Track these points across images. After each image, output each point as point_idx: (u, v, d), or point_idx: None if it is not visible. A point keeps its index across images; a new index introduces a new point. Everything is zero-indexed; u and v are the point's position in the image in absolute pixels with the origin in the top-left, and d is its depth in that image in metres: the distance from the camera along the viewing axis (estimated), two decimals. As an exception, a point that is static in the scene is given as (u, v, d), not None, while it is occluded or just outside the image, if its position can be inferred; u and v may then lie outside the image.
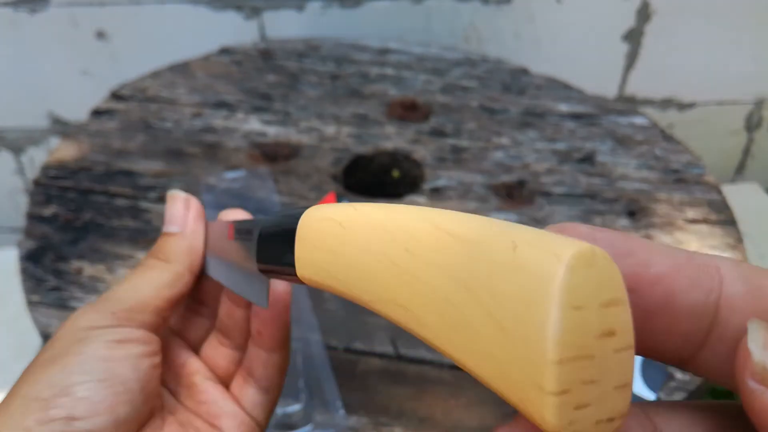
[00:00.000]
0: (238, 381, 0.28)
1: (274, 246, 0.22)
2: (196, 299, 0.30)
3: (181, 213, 0.29)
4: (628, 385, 0.12)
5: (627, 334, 0.12)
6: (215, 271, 0.28)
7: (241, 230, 0.26)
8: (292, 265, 0.20)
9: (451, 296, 0.13)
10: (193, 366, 0.28)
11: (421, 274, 0.14)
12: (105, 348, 0.24)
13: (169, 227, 0.28)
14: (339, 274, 0.17)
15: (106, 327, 0.25)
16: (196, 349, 0.29)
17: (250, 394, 0.27)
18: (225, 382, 0.29)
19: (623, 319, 0.12)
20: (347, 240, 0.17)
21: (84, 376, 0.23)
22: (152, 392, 0.25)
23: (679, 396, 0.44)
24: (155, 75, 0.71)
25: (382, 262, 0.15)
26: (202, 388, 0.28)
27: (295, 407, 0.43)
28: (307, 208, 0.20)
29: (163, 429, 0.25)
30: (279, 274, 0.22)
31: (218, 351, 0.29)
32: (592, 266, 0.11)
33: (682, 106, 0.91)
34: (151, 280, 0.27)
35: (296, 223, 0.20)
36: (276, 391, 0.28)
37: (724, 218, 0.55)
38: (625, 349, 0.12)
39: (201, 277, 0.29)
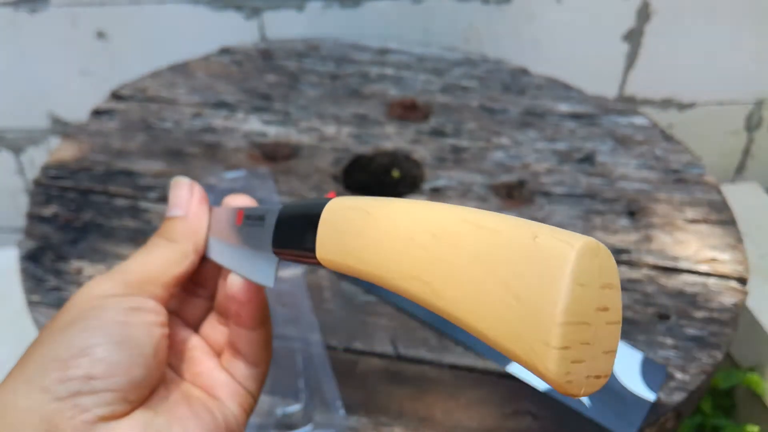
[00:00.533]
0: (227, 356, 0.29)
1: (294, 231, 0.24)
2: (194, 281, 0.31)
3: (186, 197, 0.30)
4: (613, 351, 0.15)
5: (617, 312, 0.15)
6: (217, 254, 0.29)
7: (251, 216, 0.28)
8: (312, 248, 0.22)
9: (473, 273, 0.16)
10: (192, 341, 0.30)
11: (446, 256, 0.17)
12: (121, 314, 0.25)
13: (173, 211, 0.30)
14: (363, 255, 0.20)
15: (121, 295, 0.26)
16: (193, 328, 0.31)
17: (240, 367, 0.29)
18: (220, 357, 0.30)
19: (615, 300, 0.15)
20: (374, 225, 0.20)
21: (102, 338, 0.24)
22: (162, 360, 0.26)
23: (678, 396, 0.44)
24: (155, 75, 0.71)
25: (408, 245, 0.18)
26: (200, 361, 0.29)
27: (295, 407, 0.43)
28: (329, 199, 0.23)
29: (168, 397, 0.26)
30: (296, 257, 0.24)
31: (216, 329, 0.30)
32: (597, 256, 0.15)
33: (682, 106, 0.91)
34: (159, 257, 0.28)
35: (320, 211, 0.22)
36: (264, 364, 0.29)
37: (724, 218, 0.55)
38: (614, 323, 0.15)
39: (201, 259, 0.30)
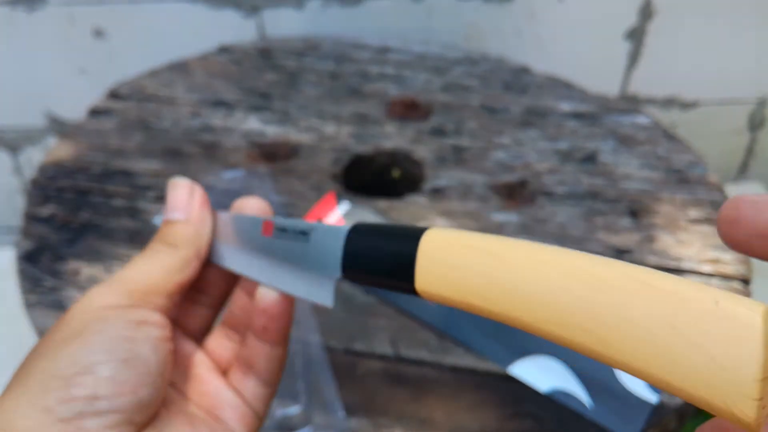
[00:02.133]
0: (236, 374, 0.28)
1: (379, 259, 0.24)
2: (195, 287, 0.29)
3: (185, 200, 0.28)
4: None
5: None
6: (235, 263, 0.28)
7: (288, 230, 0.27)
8: (408, 279, 0.23)
9: (650, 329, 0.18)
10: (196, 357, 0.28)
11: (614, 310, 0.18)
12: (126, 328, 0.24)
13: (172, 214, 0.28)
14: (492, 296, 0.21)
15: (124, 307, 0.24)
16: (194, 338, 0.29)
17: (250, 386, 0.27)
18: (225, 374, 0.28)
19: None
20: (506, 269, 0.21)
21: (107, 355, 0.23)
22: (168, 378, 0.25)
23: (682, 398, 0.43)
24: (153, 74, 0.70)
25: (560, 295, 0.19)
26: (205, 379, 0.27)
27: (294, 409, 0.43)
28: (422, 229, 0.23)
29: (171, 419, 0.25)
30: (378, 284, 0.24)
31: (222, 344, 0.29)
32: None
33: (685, 106, 0.91)
34: (161, 265, 0.26)
35: (416, 243, 0.23)
36: (275, 385, 0.28)
37: (728, 218, 0.55)
38: None
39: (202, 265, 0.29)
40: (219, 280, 0.29)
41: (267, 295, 0.26)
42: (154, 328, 0.25)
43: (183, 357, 0.28)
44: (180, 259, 0.27)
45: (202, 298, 0.30)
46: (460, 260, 0.22)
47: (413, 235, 0.23)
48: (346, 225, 0.25)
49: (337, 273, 0.25)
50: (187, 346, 0.28)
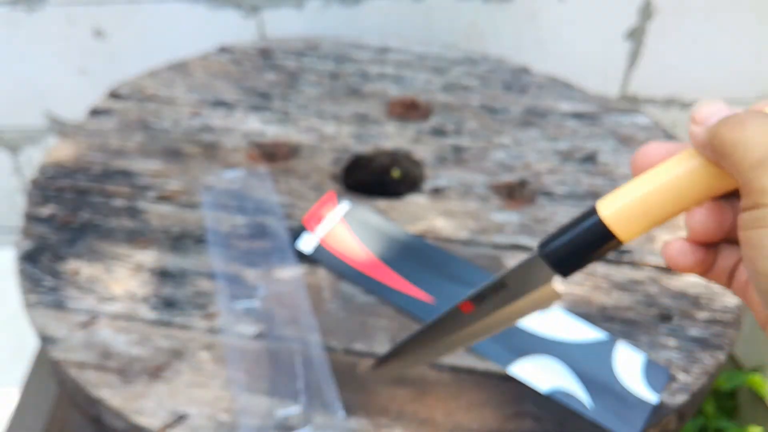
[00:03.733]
0: None
1: (583, 247, 0.27)
2: None
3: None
4: None
5: None
6: None
7: (482, 292, 0.29)
8: (612, 238, 0.26)
9: None
10: None
11: None
12: None
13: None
14: None
15: None
16: None
17: None
18: None
19: None
20: None
21: None
22: None
23: (681, 398, 0.43)
24: (153, 74, 0.70)
25: None
26: None
27: (294, 409, 0.43)
28: (594, 209, 0.26)
29: None
30: (591, 259, 0.27)
31: None
32: None
33: (685, 106, 0.91)
34: None
35: (598, 222, 0.26)
36: None
37: (728, 218, 0.55)
38: None
39: None
40: None
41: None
42: None
43: None
44: None
45: None
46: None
47: (591, 216, 0.26)
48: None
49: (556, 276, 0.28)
50: None
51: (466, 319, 0.30)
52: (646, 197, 0.25)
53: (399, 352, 0.33)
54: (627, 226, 0.25)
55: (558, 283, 0.28)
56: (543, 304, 0.28)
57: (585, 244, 0.26)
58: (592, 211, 0.26)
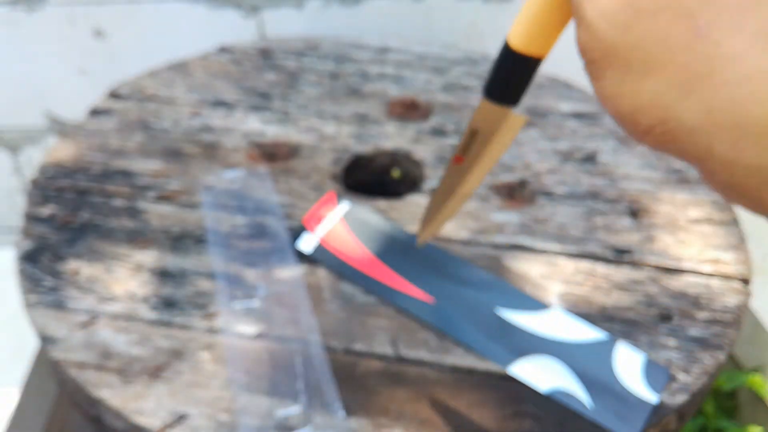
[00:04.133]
0: None
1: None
2: None
3: None
4: None
5: None
6: None
7: (467, 143, 0.35)
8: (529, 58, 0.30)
9: None
10: None
11: None
12: None
13: None
14: None
15: None
16: None
17: None
18: None
19: None
20: None
21: None
22: None
23: (681, 398, 0.43)
24: (153, 74, 0.70)
25: None
26: None
27: (294, 409, 0.43)
28: None
29: None
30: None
31: None
32: None
33: (684, 106, 0.91)
34: None
35: (506, 46, 0.31)
36: None
37: (727, 218, 0.55)
38: None
39: None
40: None
41: None
42: None
43: None
44: None
45: None
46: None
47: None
48: None
49: None
50: None
51: (464, 168, 0.35)
52: (538, 12, 0.28)
53: (427, 217, 0.39)
54: (532, 42, 0.29)
55: (516, 112, 0.33)
56: (514, 131, 0.34)
57: (510, 72, 0.31)
58: (506, 45, 0.30)
